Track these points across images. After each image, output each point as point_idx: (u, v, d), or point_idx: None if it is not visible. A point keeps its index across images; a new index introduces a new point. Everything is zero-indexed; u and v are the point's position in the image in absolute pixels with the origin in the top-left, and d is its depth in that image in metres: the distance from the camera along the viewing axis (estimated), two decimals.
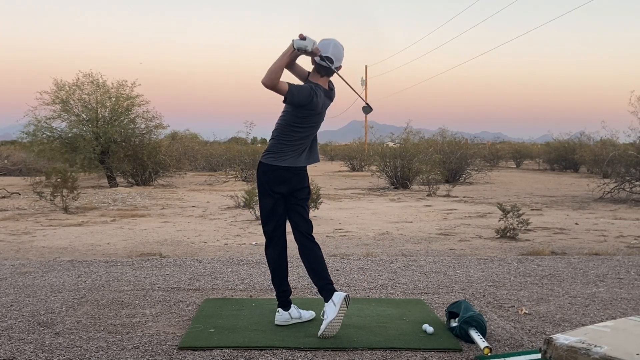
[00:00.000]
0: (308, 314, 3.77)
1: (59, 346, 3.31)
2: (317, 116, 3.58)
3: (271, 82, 3.35)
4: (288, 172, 3.56)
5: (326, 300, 3.48)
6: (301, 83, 3.62)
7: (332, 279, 4.95)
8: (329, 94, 3.63)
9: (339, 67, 3.57)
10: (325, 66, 3.50)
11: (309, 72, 3.66)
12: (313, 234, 3.71)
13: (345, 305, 3.44)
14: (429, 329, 3.57)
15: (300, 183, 3.64)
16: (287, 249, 3.78)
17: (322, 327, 3.42)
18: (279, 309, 3.70)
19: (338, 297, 3.45)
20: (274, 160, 3.54)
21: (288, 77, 3.54)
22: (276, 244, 3.69)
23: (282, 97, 3.44)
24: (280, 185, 3.57)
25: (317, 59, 3.50)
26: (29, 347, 3.28)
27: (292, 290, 4.60)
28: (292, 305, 3.72)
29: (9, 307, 4.11)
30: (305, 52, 3.47)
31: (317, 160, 3.75)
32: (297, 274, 5.15)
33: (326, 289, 3.52)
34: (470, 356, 3.23)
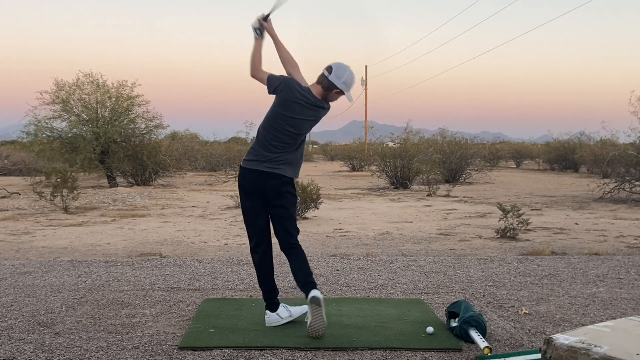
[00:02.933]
0: (299, 310, 3.73)
1: (59, 346, 3.31)
2: (294, 119, 3.51)
3: (251, 72, 3.62)
4: (259, 175, 3.54)
5: (306, 296, 3.47)
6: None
7: (332, 279, 4.98)
8: (316, 102, 3.54)
9: (339, 91, 3.55)
10: (257, 28, 3.63)
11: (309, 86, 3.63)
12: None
13: (317, 305, 3.40)
14: (429, 329, 3.58)
15: (274, 190, 3.55)
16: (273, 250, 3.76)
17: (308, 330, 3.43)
18: (267, 312, 3.68)
19: (310, 298, 3.44)
20: (247, 163, 3.59)
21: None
22: (262, 252, 3.70)
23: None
24: (253, 188, 3.57)
25: (257, 22, 3.61)
26: (29, 347, 3.28)
27: (293, 289, 4.61)
28: (280, 305, 3.70)
29: (9, 307, 4.11)
30: (258, 29, 3.63)
31: (295, 176, 3.67)
32: None
33: (304, 290, 3.51)
34: (470, 356, 3.23)
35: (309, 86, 3.59)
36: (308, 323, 3.42)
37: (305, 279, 3.54)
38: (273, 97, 3.59)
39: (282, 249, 3.67)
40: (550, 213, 10.49)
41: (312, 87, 3.59)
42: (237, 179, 3.71)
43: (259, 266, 3.70)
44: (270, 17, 3.66)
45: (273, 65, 3.65)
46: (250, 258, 5.88)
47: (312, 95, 3.55)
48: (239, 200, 3.72)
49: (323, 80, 3.55)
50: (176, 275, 5.13)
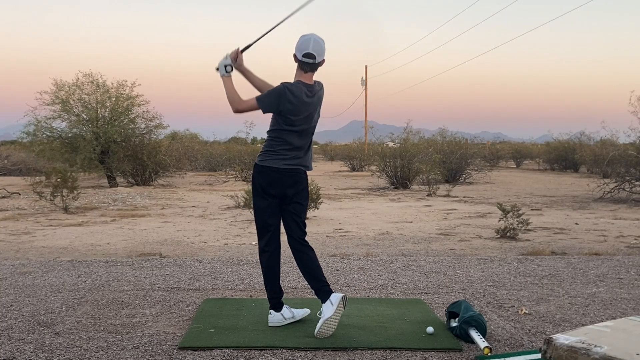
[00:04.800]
0: (302, 312, 3.76)
1: (59, 346, 3.31)
2: (303, 117, 3.53)
3: (235, 108, 3.51)
4: (280, 174, 3.54)
5: (323, 302, 3.49)
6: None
7: (332, 279, 4.97)
8: (312, 89, 3.56)
9: (321, 62, 3.55)
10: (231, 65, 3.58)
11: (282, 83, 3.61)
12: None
13: (342, 305, 3.45)
14: (429, 329, 3.58)
15: (295, 187, 3.59)
16: (281, 250, 3.77)
17: (319, 325, 3.43)
18: (271, 311, 3.69)
19: (335, 297, 3.46)
20: (266, 162, 3.55)
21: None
22: (271, 252, 3.68)
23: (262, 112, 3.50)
24: (273, 187, 3.55)
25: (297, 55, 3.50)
26: (29, 347, 3.28)
27: (293, 290, 4.62)
28: (284, 305, 3.71)
29: (9, 307, 4.11)
30: (228, 67, 3.58)
31: (310, 169, 3.69)
32: (297, 273, 5.15)
33: (323, 291, 3.52)
34: (470, 356, 3.23)
35: (298, 80, 3.56)
36: (324, 317, 3.42)
37: (318, 286, 3.55)
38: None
39: (293, 247, 3.66)
40: (550, 213, 10.49)
41: (300, 77, 3.56)
42: (251, 178, 3.69)
43: (267, 267, 3.67)
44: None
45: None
46: (250, 258, 5.90)
47: (305, 84, 3.54)
48: (253, 199, 3.68)
49: (303, 66, 3.53)
50: (176, 275, 5.13)
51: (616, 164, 14.47)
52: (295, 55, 3.54)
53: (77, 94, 17.13)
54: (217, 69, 3.61)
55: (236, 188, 15.17)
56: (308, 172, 3.71)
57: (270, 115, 3.57)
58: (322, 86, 3.67)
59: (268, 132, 3.61)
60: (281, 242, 3.73)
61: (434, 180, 15.10)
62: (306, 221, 3.76)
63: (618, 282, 4.97)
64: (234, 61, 3.62)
